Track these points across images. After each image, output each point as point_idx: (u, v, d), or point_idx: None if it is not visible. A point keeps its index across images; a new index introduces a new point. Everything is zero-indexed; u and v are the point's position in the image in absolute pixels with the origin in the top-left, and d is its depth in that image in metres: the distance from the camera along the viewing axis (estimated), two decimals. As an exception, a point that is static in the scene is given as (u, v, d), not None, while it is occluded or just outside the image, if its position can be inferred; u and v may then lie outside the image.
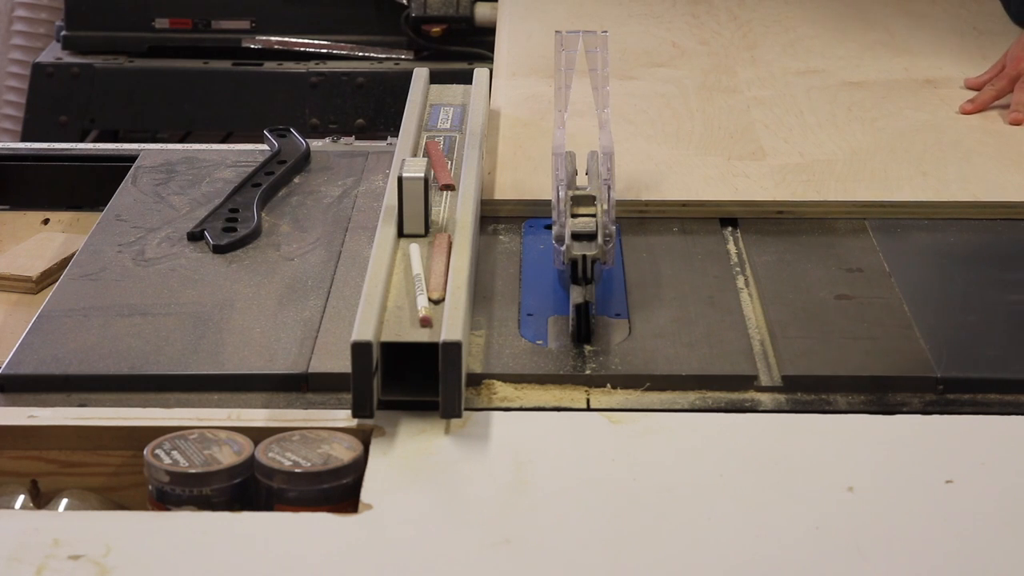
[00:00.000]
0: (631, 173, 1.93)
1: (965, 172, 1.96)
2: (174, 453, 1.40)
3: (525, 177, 1.95)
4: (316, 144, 2.11)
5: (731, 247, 1.81)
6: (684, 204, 1.88)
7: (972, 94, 2.19)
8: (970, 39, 2.46)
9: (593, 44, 1.82)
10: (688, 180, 1.93)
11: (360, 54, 3.15)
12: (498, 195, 1.91)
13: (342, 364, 1.48)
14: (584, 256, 1.58)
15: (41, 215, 2.08)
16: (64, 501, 1.45)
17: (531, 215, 1.87)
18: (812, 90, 2.24)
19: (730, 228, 1.86)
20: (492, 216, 1.88)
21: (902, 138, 2.06)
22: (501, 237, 1.84)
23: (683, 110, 2.17)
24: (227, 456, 1.40)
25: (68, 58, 3.16)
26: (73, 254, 1.82)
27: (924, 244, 1.83)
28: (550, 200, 1.74)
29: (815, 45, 2.44)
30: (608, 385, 1.53)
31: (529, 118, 2.13)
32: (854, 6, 2.62)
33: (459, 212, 1.70)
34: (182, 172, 2.02)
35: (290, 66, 3.13)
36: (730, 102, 2.19)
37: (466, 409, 1.47)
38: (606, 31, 1.83)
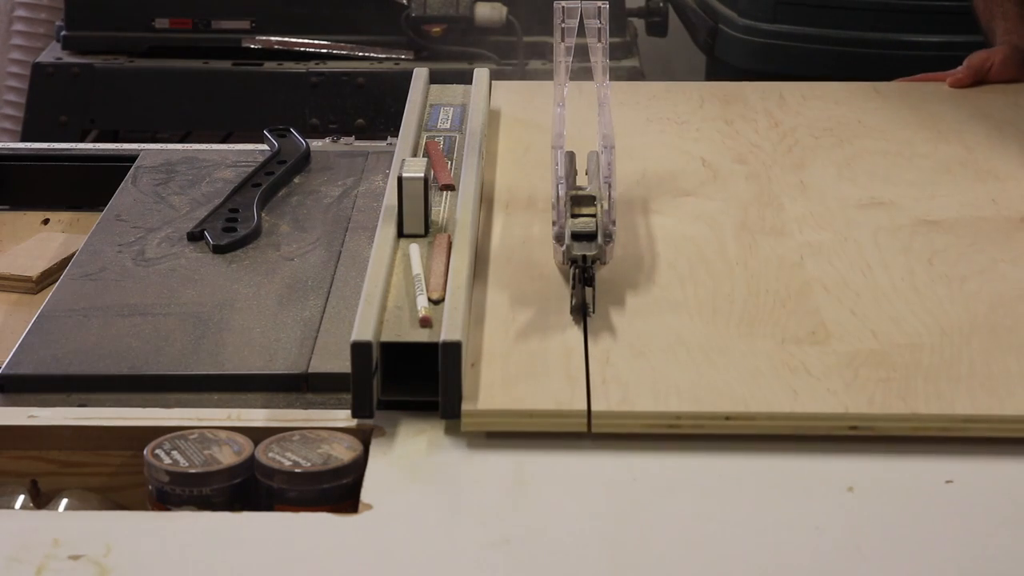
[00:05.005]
0: (655, 365, 1.49)
1: None
2: (174, 453, 1.40)
3: (519, 374, 1.48)
4: (316, 144, 2.11)
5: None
6: (727, 418, 1.43)
7: None
8: None
9: (592, 14, 1.81)
10: (731, 379, 1.47)
11: (360, 54, 3.15)
12: (483, 403, 1.43)
13: (342, 364, 1.48)
14: (584, 256, 1.58)
15: (41, 215, 2.08)
16: (64, 501, 1.45)
17: (531, 429, 1.43)
18: (880, 232, 1.76)
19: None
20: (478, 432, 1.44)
21: (1002, 310, 1.60)
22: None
23: (720, 263, 1.69)
24: (227, 456, 1.40)
25: (68, 58, 3.16)
26: (73, 254, 1.82)
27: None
28: (558, 409, 1.43)
29: (877, 164, 1.97)
30: (608, 386, 1.51)
31: (526, 281, 1.65)
32: (919, 107, 2.17)
33: (459, 212, 1.70)
34: (182, 172, 2.01)
35: (290, 66, 3.13)
36: (779, 250, 1.72)
37: (466, 409, 1.46)
38: (606, 2, 1.78)
